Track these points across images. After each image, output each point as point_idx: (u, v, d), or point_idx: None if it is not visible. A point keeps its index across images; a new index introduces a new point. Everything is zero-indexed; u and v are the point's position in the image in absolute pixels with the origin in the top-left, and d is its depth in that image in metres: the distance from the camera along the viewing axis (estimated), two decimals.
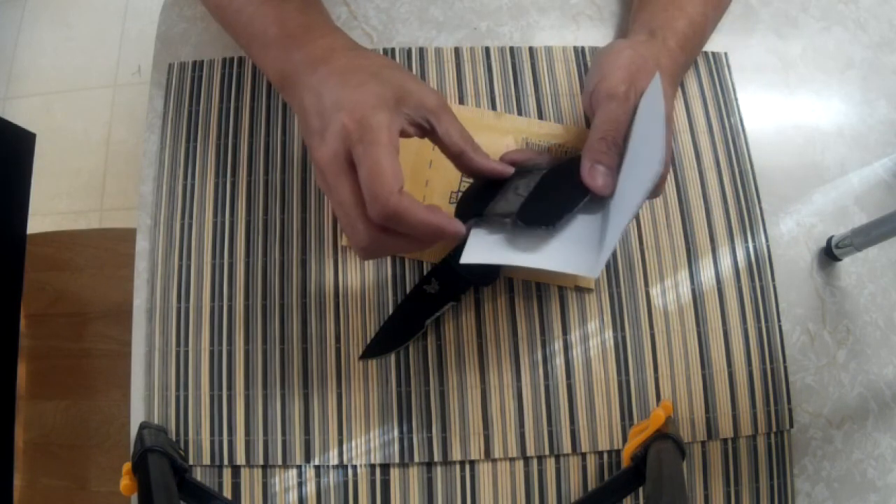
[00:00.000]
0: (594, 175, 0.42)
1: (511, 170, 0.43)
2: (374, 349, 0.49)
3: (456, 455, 0.48)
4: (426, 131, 0.41)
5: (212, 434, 0.48)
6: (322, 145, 0.37)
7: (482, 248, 0.41)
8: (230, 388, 0.49)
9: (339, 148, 0.36)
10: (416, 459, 0.48)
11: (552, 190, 0.42)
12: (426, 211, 0.36)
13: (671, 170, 0.53)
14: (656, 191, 0.43)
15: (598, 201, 0.42)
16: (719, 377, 0.50)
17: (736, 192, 0.53)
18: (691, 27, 0.47)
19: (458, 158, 0.41)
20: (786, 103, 0.57)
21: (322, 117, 0.38)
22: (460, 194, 0.49)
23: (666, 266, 0.51)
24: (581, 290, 0.51)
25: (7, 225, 0.86)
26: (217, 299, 0.50)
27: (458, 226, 0.38)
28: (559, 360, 0.49)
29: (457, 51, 0.56)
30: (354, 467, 0.48)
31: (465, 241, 0.42)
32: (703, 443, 0.49)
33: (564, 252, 0.40)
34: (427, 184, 0.51)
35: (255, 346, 0.49)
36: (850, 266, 0.53)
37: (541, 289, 0.51)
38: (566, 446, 0.48)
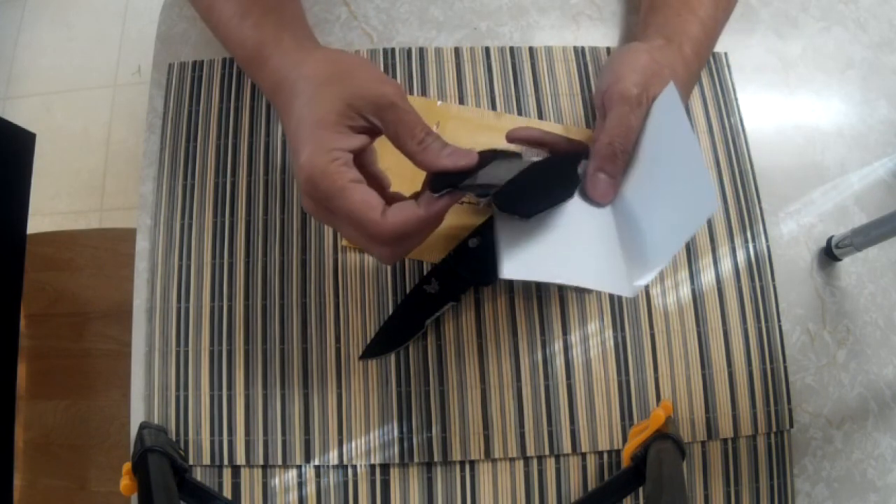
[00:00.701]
0: (596, 183, 0.41)
1: (474, 159, 0.38)
2: (374, 349, 0.49)
3: (456, 455, 0.48)
4: (377, 132, 0.39)
5: (212, 434, 0.48)
6: (303, 197, 0.38)
7: (521, 263, 0.38)
8: (230, 388, 0.49)
9: (313, 205, 0.37)
10: (416, 459, 0.48)
11: (538, 181, 0.40)
12: (420, 212, 0.36)
13: None
14: None
15: (606, 212, 0.41)
16: (719, 377, 0.50)
17: (736, 192, 0.53)
18: (704, 32, 0.47)
19: (413, 159, 0.38)
20: (786, 103, 0.57)
21: (293, 161, 0.38)
22: None
23: (666, 266, 0.51)
24: (581, 290, 0.51)
25: (7, 225, 0.86)
26: (217, 299, 0.50)
27: (445, 202, 0.37)
28: (559, 360, 0.49)
29: (457, 51, 0.56)
30: (354, 467, 0.48)
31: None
32: (703, 443, 0.49)
33: (602, 269, 0.40)
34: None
35: (255, 346, 0.49)
36: (850, 266, 0.53)
37: (541, 289, 0.51)
38: (566, 446, 0.48)
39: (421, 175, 0.52)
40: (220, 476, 0.48)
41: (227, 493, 0.47)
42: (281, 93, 0.40)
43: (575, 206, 0.42)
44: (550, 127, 0.54)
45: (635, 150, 0.42)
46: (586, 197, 0.43)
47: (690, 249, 0.52)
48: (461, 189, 0.37)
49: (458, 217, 0.49)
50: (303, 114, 0.37)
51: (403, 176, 0.51)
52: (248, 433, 0.48)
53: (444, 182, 0.37)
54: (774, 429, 0.49)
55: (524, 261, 0.38)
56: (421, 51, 0.56)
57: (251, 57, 0.44)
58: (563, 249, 0.40)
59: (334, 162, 0.35)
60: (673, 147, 0.40)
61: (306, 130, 0.36)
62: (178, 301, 0.50)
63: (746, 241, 0.52)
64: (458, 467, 0.48)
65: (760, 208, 0.53)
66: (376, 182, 0.41)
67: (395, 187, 0.52)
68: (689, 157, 0.38)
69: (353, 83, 0.37)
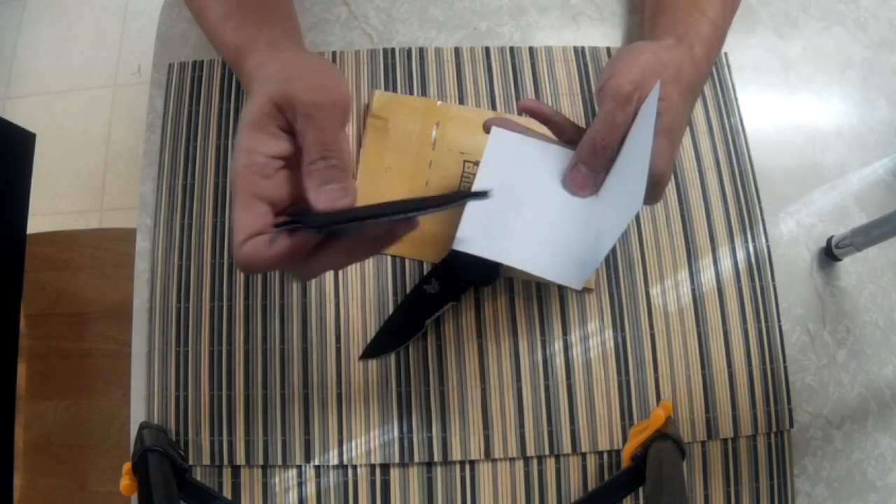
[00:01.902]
0: (575, 174, 0.42)
1: (347, 204, 0.34)
2: (374, 349, 0.49)
3: (456, 455, 0.48)
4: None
5: (212, 434, 0.48)
6: None
7: (476, 238, 0.39)
8: (230, 388, 0.49)
9: None
10: (416, 459, 0.48)
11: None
12: (266, 253, 0.33)
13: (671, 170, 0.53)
14: (654, 198, 0.42)
15: (586, 209, 0.41)
16: (719, 377, 0.50)
17: (736, 192, 0.53)
18: (714, 32, 0.47)
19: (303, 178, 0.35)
20: (786, 103, 0.57)
21: None
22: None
23: (666, 266, 0.51)
24: (581, 290, 0.51)
25: (7, 225, 0.86)
26: (217, 299, 0.50)
27: (286, 246, 0.33)
28: (559, 361, 0.49)
29: (457, 51, 0.56)
30: (354, 467, 0.48)
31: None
32: (703, 443, 0.49)
33: (555, 259, 0.40)
34: (427, 184, 0.51)
35: (255, 346, 0.49)
36: (850, 266, 0.53)
37: (541, 289, 0.51)
38: (566, 446, 0.48)
39: (420, 174, 0.52)
40: (220, 476, 0.48)
41: (227, 493, 0.47)
42: (248, 95, 0.41)
43: (555, 194, 0.42)
44: None
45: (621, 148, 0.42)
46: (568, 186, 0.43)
47: (690, 249, 0.52)
48: (306, 226, 0.33)
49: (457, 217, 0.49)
50: (244, 113, 0.37)
51: (404, 175, 0.52)
52: (248, 433, 0.48)
53: (314, 217, 0.34)
54: (774, 429, 0.49)
55: (479, 237, 0.39)
56: (421, 51, 0.56)
57: (233, 59, 0.44)
58: (523, 233, 0.40)
59: (250, 167, 0.35)
60: (633, 146, 0.40)
61: (240, 129, 0.36)
62: (178, 301, 0.50)
63: (746, 241, 0.52)
64: (458, 467, 0.48)
65: (760, 208, 0.53)
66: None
67: (395, 186, 0.52)
68: (640, 156, 0.38)
69: (291, 85, 0.35)
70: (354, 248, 0.35)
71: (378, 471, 0.48)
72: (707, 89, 0.56)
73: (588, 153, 0.41)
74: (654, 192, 0.40)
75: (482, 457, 0.48)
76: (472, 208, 0.40)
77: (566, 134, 0.45)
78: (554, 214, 0.42)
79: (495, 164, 0.42)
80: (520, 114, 0.54)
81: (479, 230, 0.40)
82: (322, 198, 0.34)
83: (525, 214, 0.41)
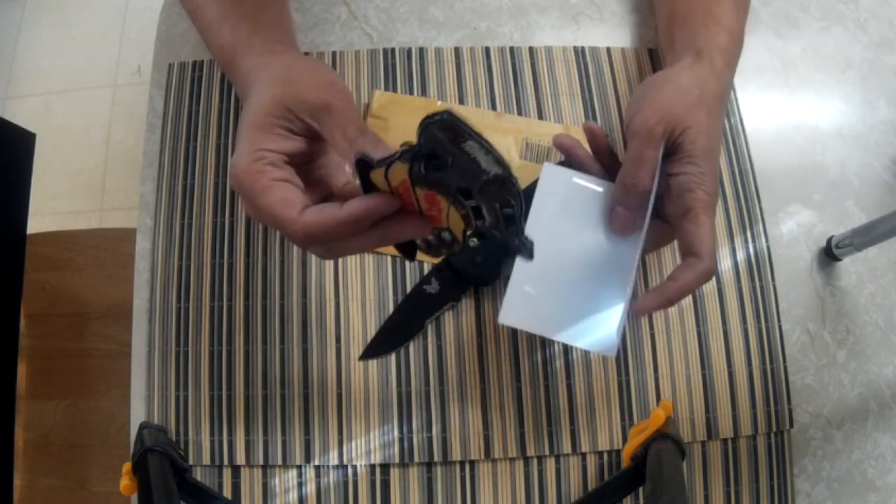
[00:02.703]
0: (613, 217, 0.42)
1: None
2: (374, 349, 0.49)
3: (456, 455, 0.48)
4: (319, 136, 0.38)
5: (212, 434, 0.48)
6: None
7: (520, 314, 0.41)
8: (230, 388, 0.49)
9: (245, 205, 0.37)
10: (416, 459, 0.48)
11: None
12: (338, 213, 0.34)
13: None
14: (707, 275, 0.41)
15: (616, 272, 0.42)
16: (719, 377, 0.50)
17: (736, 192, 0.53)
18: (731, 40, 0.46)
19: (345, 158, 0.36)
20: (786, 103, 0.57)
21: None
22: None
23: (666, 266, 0.51)
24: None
25: (7, 225, 0.86)
26: (217, 299, 0.50)
27: (364, 204, 0.34)
28: (559, 361, 0.49)
29: (457, 51, 0.56)
30: (354, 467, 0.48)
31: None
32: (703, 443, 0.49)
33: (591, 326, 0.41)
34: None
35: (255, 346, 0.49)
36: (850, 266, 0.53)
37: None
38: (566, 446, 0.48)
39: None
40: (220, 476, 0.48)
41: (227, 493, 0.47)
42: (244, 97, 0.41)
43: (597, 244, 0.43)
44: (550, 127, 0.54)
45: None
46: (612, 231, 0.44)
47: None
48: (378, 164, 0.32)
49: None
50: (244, 116, 0.37)
51: None
52: (248, 433, 0.48)
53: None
54: (774, 429, 0.49)
55: (523, 311, 0.41)
56: (421, 51, 0.56)
57: (227, 61, 0.44)
58: (564, 304, 0.42)
59: (258, 161, 0.35)
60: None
61: (242, 132, 0.37)
62: (178, 301, 0.50)
63: (746, 241, 0.52)
64: (458, 467, 0.48)
65: (760, 208, 0.53)
66: (322, 186, 0.40)
67: None
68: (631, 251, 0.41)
69: (297, 87, 0.37)
70: (391, 231, 0.36)
71: (378, 471, 0.48)
72: None
73: (622, 193, 0.41)
74: (708, 269, 0.40)
75: (482, 457, 0.48)
76: (517, 277, 0.41)
77: (600, 156, 0.45)
78: (590, 268, 0.43)
79: (545, 205, 0.43)
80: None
81: (523, 305, 0.41)
82: (379, 151, 0.33)
83: (564, 277, 0.42)
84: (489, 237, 0.40)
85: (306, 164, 0.39)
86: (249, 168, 0.35)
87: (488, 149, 0.28)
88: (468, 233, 0.36)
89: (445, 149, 0.28)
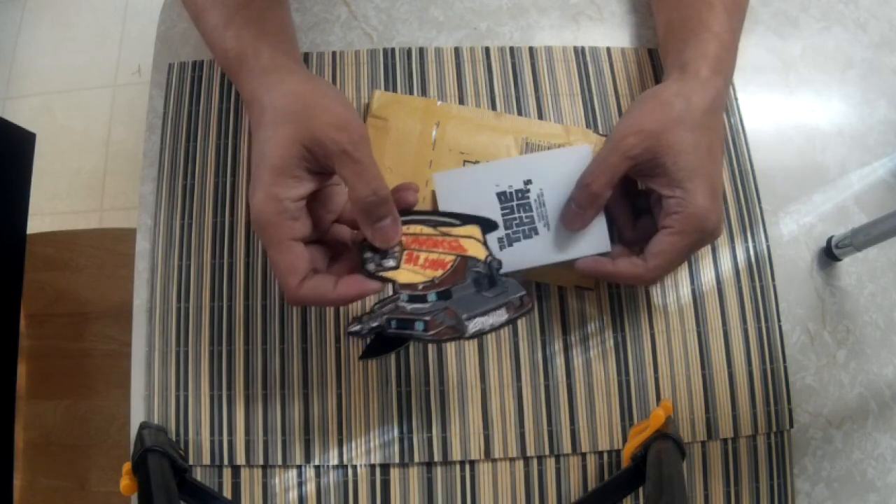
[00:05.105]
0: (565, 211, 0.46)
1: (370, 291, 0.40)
2: (374, 349, 0.49)
3: (456, 455, 0.48)
4: (331, 173, 0.40)
5: (212, 434, 0.48)
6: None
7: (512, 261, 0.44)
8: (230, 388, 0.49)
9: (257, 233, 0.40)
10: (416, 459, 0.48)
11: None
12: (330, 296, 0.39)
13: None
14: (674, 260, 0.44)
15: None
16: (719, 377, 0.50)
17: (736, 192, 0.53)
18: (721, 47, 0.47)
19: (354, 207, 0.39)
20: (786, 103, 0.57)
21: (249, 191, 0.41)
22: None
23: None
24: (581, 290, 0.51)
25: (7, 225, 0.86)
26: (217, 299, 0.50)
27: (375, 286, 0.40)
28: (559, 360, 0.49)
29: (457, 51, 0.56)
30: (354, 467, 0.48)
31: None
32: (703, 443, 0.49)
33: (572, 243, 0.46)
34: (427, 184, 0.51)
35: (255, 346, 0.49)
36: (850, 266, 0.53)
37: (541, 289, 0.51)
38: (566, 446, 0.48)
39: (421, 174, 0.52)
40: (220, 476, 0.48)
41: (227, 493, 0.47)
42: (252, 111, 0.42)
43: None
44: (550, 127, 0.53)
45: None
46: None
47: None
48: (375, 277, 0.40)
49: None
50: (264, 151, 0.39)
51: (404, 175, 0.52)
52: (248, 433, 0.48)
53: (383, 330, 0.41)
54: (774, 429, 0.49)
55: (514, 259, 0.46)
56: (421, 51, 0.56)
57: (232, 67, 0.45)
58: (549, 238, 0.47)
59: (281, 214, 0.38)
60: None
61: (264, 172, 0.38)
62: (178, 301, 0.50)
63: (746, 241, 0.52)
64: (458, 467, 0.48)
65: (760, 208, 0.53)
66: (326, 217, 0.43)
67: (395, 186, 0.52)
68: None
69: (312, 126, 0.38)
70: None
71: (378, 471, 0.48)
72: None
73: (576, 189, 0.45)
74: (641, 278, 0.44)
75: (482, 457, 0.48)
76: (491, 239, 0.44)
77: (626, 236, 0.48)
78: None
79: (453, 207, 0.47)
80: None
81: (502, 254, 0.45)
82: (377, 236, 0.39)
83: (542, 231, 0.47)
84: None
85: (318, 197, 0.42)
86: (272, 220, 0.38)
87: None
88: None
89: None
